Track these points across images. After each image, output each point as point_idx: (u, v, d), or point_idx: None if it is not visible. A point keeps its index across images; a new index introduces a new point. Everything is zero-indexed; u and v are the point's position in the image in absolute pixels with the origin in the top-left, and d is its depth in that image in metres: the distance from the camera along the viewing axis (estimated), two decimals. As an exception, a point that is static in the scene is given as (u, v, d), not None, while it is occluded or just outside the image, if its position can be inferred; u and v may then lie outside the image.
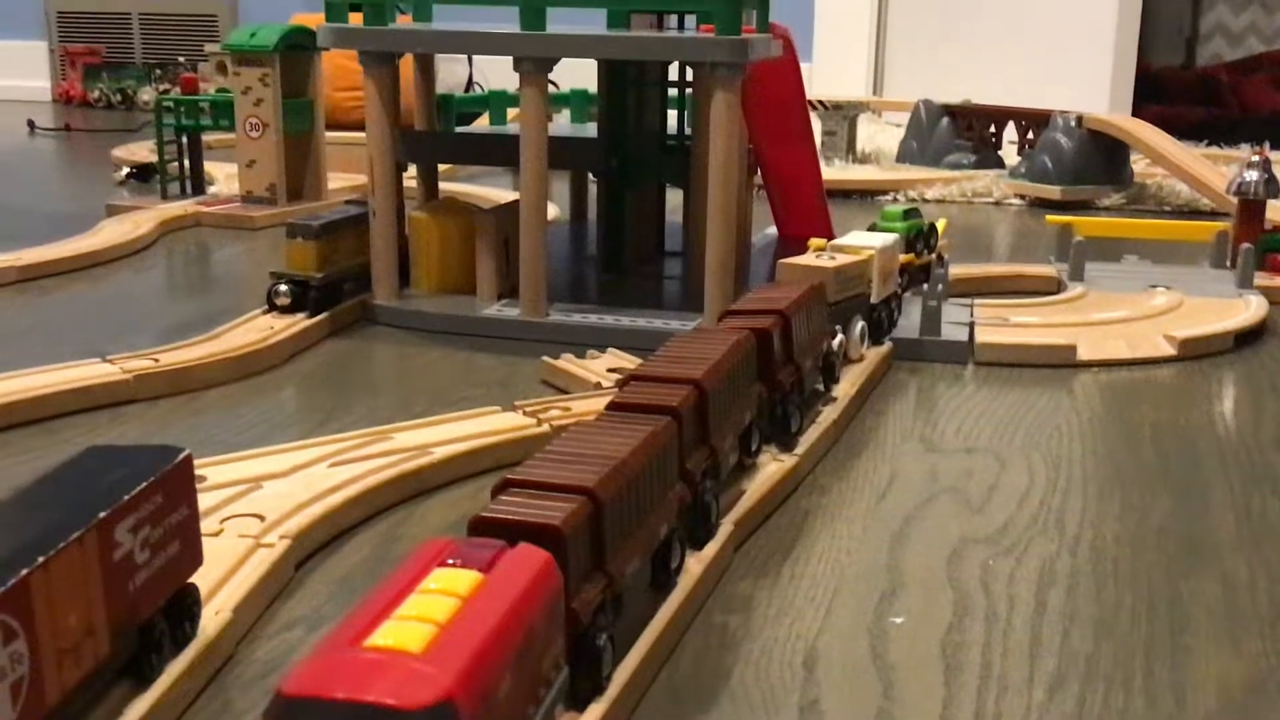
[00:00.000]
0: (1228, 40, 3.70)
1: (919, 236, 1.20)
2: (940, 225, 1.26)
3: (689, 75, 1.34)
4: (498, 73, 2.94)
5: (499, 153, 1.31)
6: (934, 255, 1.24)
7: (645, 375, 0.68)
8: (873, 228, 1.17)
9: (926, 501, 0.79)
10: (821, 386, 0.92)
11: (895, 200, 2.07)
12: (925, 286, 1.15)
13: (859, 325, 1.00)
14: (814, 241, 1.08)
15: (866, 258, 1.02)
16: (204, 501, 0.67)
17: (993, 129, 2.32)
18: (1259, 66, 3.36)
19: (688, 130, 1.34)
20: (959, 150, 2.29)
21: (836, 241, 1.05)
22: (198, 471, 0.60)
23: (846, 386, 0.96)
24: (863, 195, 2.09)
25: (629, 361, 1.03)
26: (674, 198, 1.43)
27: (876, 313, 1.06)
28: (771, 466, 0.79)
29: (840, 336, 0.95)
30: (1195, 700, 0.57)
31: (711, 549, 0.67)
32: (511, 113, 1.69)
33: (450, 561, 0.44)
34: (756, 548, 0.72)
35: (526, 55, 1.09)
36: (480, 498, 0.76)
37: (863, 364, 1.01)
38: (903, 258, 1.14)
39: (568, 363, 1.02)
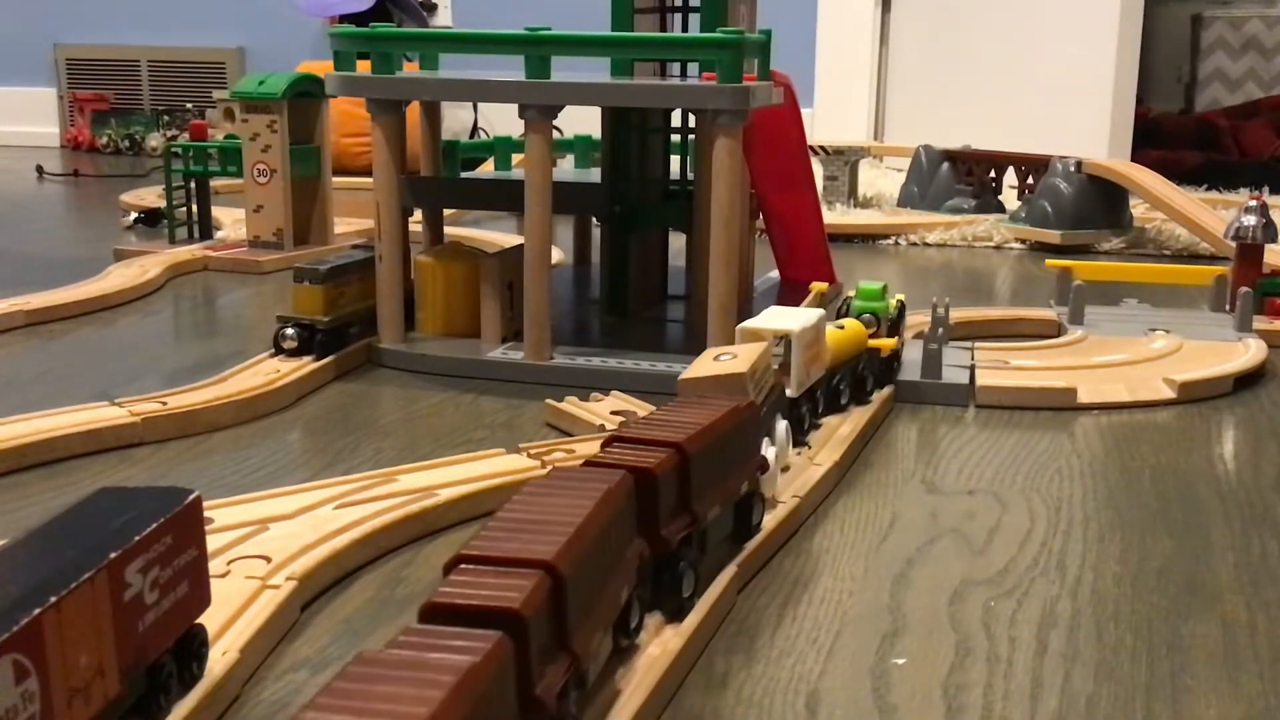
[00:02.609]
0: (1226, 86, 3.73)
1: (901, 316, 1.12)
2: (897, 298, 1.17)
3: (692, 121, 1.36)
4: (502, 119, 2.98)
5: (503, 198, 1.33)
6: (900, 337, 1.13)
7: (477, 556, 0.50)
8: (845, 308, 1.09)
9: (928, 543, 0.80)
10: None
11: (897, 244, 2.08)
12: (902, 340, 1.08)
13: (781, 429, 0.85)
14: (816, 286, 1.09)
15: (777, 346, 0.89)
16: (212, 543, 0.67)
17: (992, 174, 2.34)
18: (1257, 112, 3.38)
19: (690, 175, 1.35)
20: (959, 195, 2.31)
21: (748, 324, 0.91)
22: (205, 513, 0.61)
23: (848, 429, 0.96)
24: (864, 239, 2.11)
25: (633, 404, 1.04)
26: (677, 241, 1.45)
27: (801, 407, 0.92)
28: (776, 509, 0.80)
29: (771, 465, 0.79)
30: (1195, 741, 0.58)
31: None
32: (516, 158, 1.71)
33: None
34: (758, 589, 0.73)
35: (531, 103, 1.11)
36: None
37: (863, 408, 1.02)
38: (888, 342, 1.07)
39: (571, 405, 1.03)
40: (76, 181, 2.80)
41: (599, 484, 0.57)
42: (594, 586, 0.53)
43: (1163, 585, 0.74)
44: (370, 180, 1.22)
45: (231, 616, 0.63)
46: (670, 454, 0.63)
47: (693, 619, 0.64)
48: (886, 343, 1.08)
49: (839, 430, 0.96)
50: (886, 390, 1.08)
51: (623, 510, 0.58)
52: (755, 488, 0.75)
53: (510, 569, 0.49)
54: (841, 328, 1.02)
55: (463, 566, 0.49)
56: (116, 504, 0.53)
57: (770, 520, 0.78)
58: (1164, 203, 1.94)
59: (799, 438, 0.92)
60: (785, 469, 0.86)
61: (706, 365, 0.81)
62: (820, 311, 0.95)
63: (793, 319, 0.91)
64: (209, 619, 0.58)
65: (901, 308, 1.14)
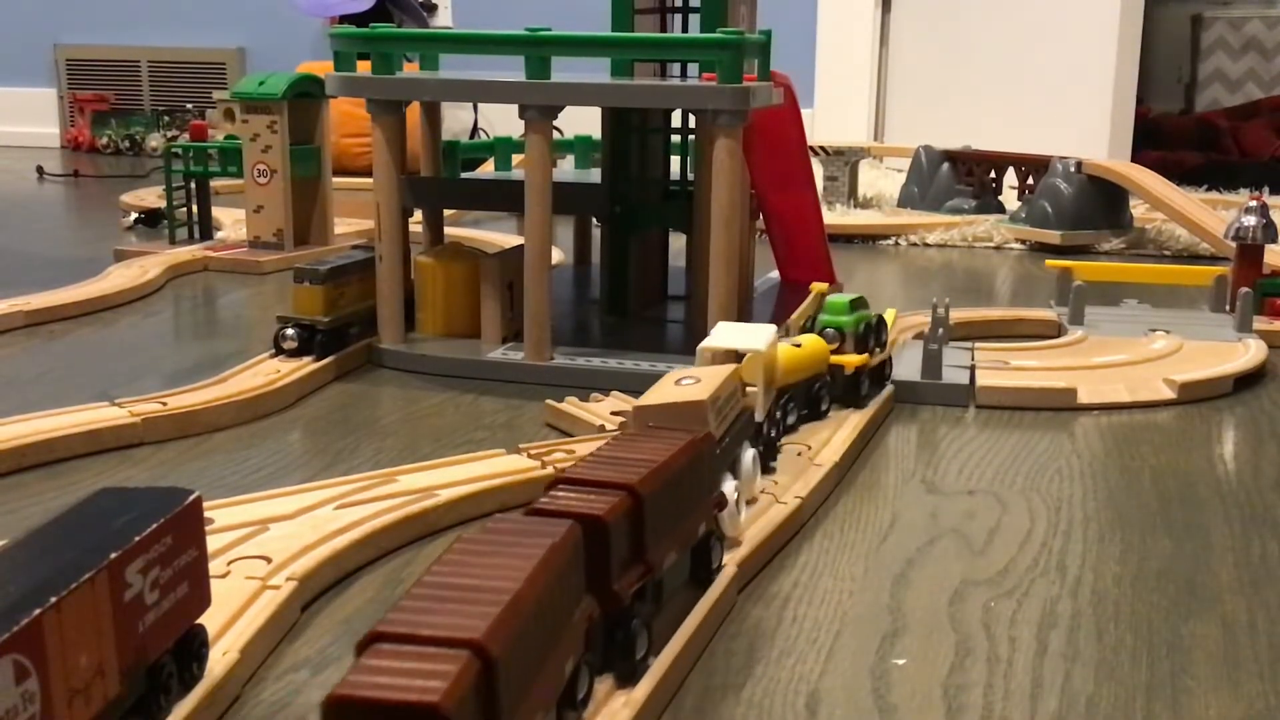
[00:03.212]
0: (1226, 86, 3.73)
1: (869, 331, 1.04)
2: (890, 316, 1.10)
3: (692, 122, 1.36)
4: (503, 119, 2.98)
5: (504, 198, 1.33)
6: (886, 354, 1.08)
7: (394, 634, 0.43)
8: (810, 324, 1.03)
9: (928, 543, 0.80)
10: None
11: (897, 244, 2.08)
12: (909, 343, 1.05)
13: (749, 457, 0.78)
14: (816, 286, 1.09)
15: (743, 367, 0.83)
16: (212, 543, 0.67)
17: (993, 174, 2.34)
18: (1257, 112, 3.39)
19: (690, 176, 1.35)
20: (959, 195, 2.31)
21: (707, 343, 0.87)
22: (206, 514, 0.61)
23: (848, 430, 0.96)
24: (864, 240, 2.11)
25: (633, 404, 1.04)
26: (677, 242, 1.45)
27: (769, 431, 0.87)
28: (774, 509, 0.80)
29: (729, 504, 0.72)
30: (1196, 742, 0.58)
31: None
32: (516, 159, 1.71)
33: None
34: (758, 590, 0.73)
35: (531, 103, 1.11)
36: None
37: (863, 410, 1.02)
38: (853, 359, 1.01)
39: (572, 405, 1.03)
40: (77, 182, 2.80)
41: (542, 539, 0.50)
42: (534, 663, 0.47)
43: (1163, 585, 0.74)
44: (370, 181, 1.22)
45: (232, 617, 0.63)
46: (622, 498, 0.57)
47: (693, 620, 0.64)
48: (851, 359, 1.01)
49: (840, 431, 0.96)
50: (886, 391, 1.08)
51: (569, 567, 0.51)
52: (714, 528, 0.68)
53: (433, 649, 0.42)
54: (799, 345, 0.95)
55: (377, 647, 0.42)
56: (117, 504, 0.53)
57: (771, 521, 0.78)
58: (1164, 203, 1.94)
59: (767, 464, 0.86)
60: (751, 501, 0.79)
61: (666, 391, 0.74)
62: (772, 328, 0.88)
63: (753, 336, 0.85)
64: (209, 619, 0.58)
65: (878, 323, 1.05)
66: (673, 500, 0.54)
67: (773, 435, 0.88)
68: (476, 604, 0.44)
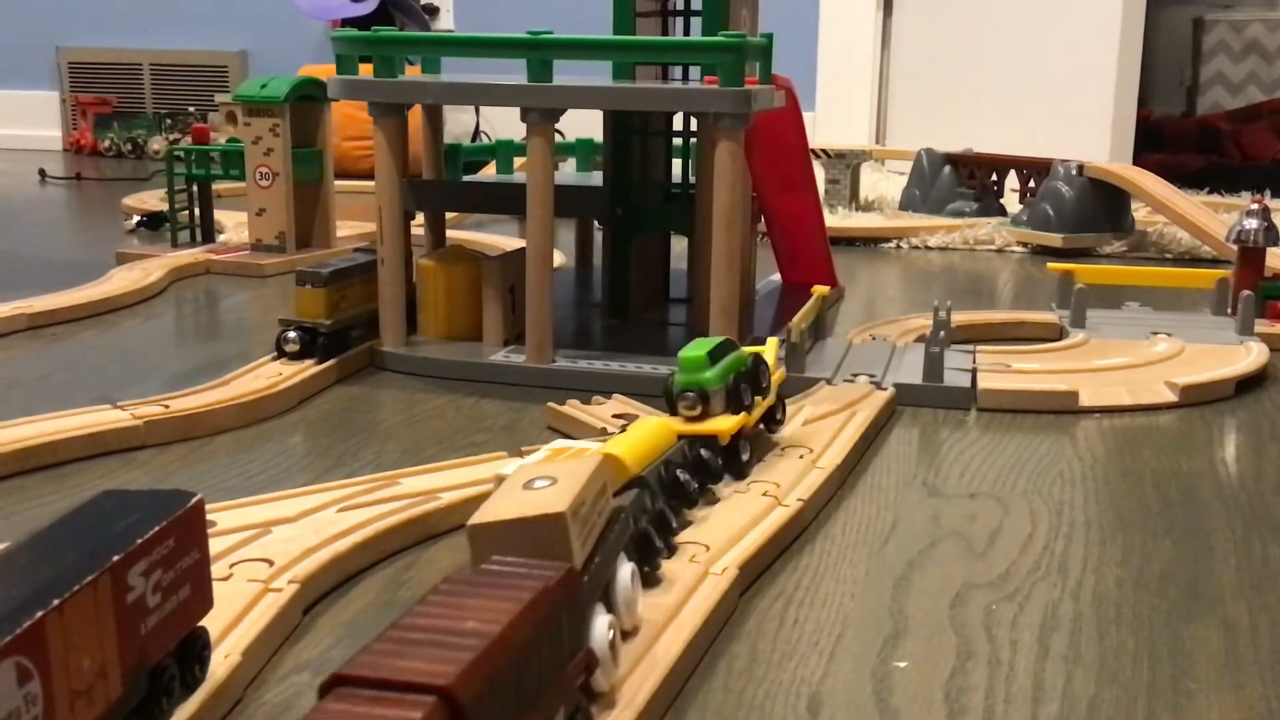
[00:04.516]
0: (1228, 89, 3.73)
1: (744, 378, 0.85)
2: (770, 347, 0.91)
3: (693, 125, 1.36)
4: (504, 122, 2.98)
5: (505, 201, 1.33)
6: (771, 399, 0.90)
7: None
8: (667, 387, 0.84)
9: (929, 546, 0.80)
10: None
11: (898, 247, 2.08)
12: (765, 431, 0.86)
13: (626, 575, 0.61)
14: (818, 289, 1.09)
15: (609, 462, 0.66)
16: (214, 546, 0.67)
17: (994, 177, 2.34)
18: (1259, 115, 3.39)
19: (692, 179, 1.35)
20: (961, 198, 2.31)
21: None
22: (208, 516, 0.61)
23: (850, 433, 0.96)
24: (866, 242, 2.11)
25: (634, 407, 1.04)
26: (678, 245, 1.45)
27: (659, 503, 0.72)
28: (776, 511, 0.80)
29: (607, 647, 0.55)
30: (1197, 744, 0.58)
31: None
32: (518, 161, 1.71)
33: None
34: (760, 592, 0.73)
35: (533, 106, 1.11)
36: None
37: (864, 413, 1.02)
38: (726, 423, 0.82)
39: (573, 408, 1.03)
40: (79, 185, 2.80)
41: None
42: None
43: (1164, 588, 0.74)
44: (372, 184, 1.22)
45: (234, 619, 0.63)
46: (432, 709, 0.38)
47: (694, 622, 0.64)
48: (724, 424, 0.81)
49: (841, 434, 0.96)
50: (886, 394, 1.08)
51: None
52: (580, 701, 0.51)
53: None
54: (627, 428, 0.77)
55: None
56: (119, 507, 0.53)
57: (773, 523, 0.78)
58: (1166, 206, 1.94)
59: (667, 540, 0.71)
60: (634, 631, 0.61)
61: (512, 499, 0.56)
62: (595, 463, 0.60)
63: (561, 485, 0.57)
64: (211, 622, 0.58)
65: (754, 365, 0.86)
66: (513, 693, 0.41)
67: (658, 545, 0.69)
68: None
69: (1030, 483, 0.92)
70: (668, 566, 0.70)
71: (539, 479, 0.57)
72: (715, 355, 0.83)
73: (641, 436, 0.75)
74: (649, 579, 0.67)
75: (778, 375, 0.91)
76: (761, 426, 0.91)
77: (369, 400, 1.12)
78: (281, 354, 1.16)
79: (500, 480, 0.73)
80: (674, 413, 0.83)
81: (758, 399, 0.87)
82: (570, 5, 2.48)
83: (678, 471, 0.76)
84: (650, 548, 0.67)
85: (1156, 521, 0.85)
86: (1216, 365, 1.20)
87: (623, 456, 0.71)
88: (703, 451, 0.80)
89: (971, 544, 0.80)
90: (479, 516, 0.55)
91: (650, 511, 0.70)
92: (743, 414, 0.84)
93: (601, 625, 0.55)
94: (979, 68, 2.89)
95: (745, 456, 0.85)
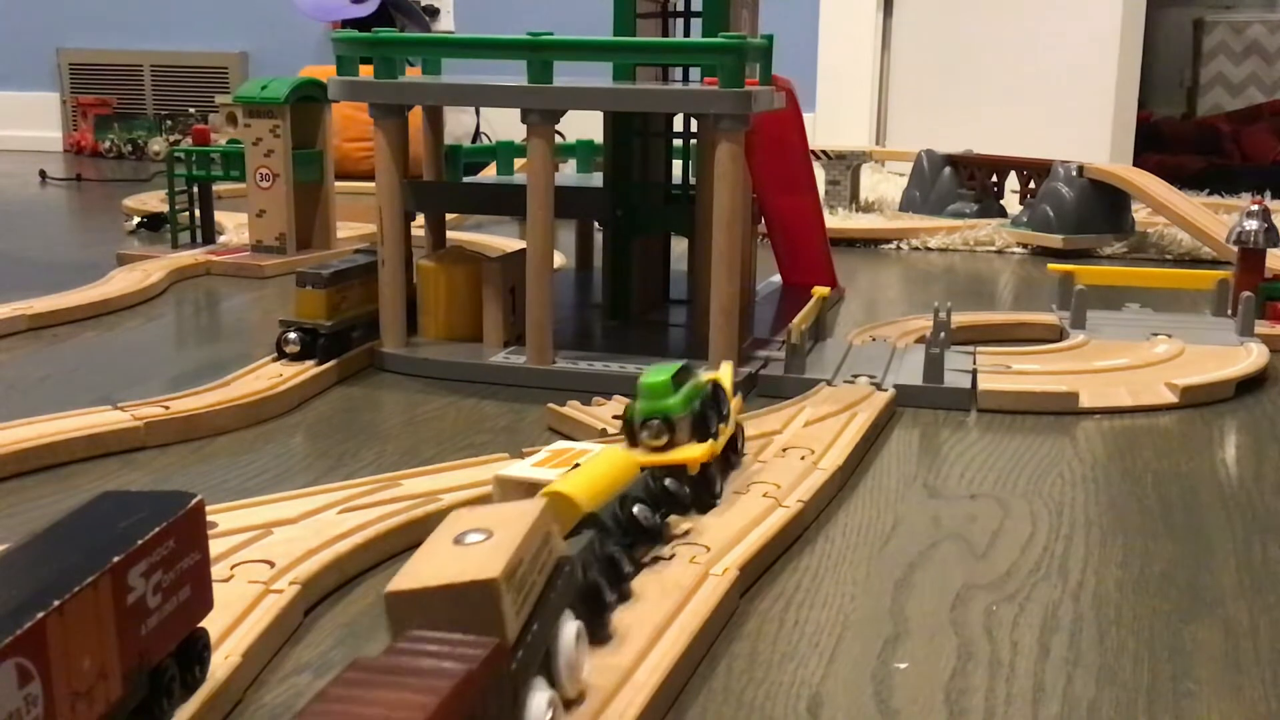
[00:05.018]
0: (1228, 90, 3.73)
1: (709, 404, 0.79)
2: (725, 371, 0.87)
3: (694, 126, 1.36)
4: (505, 123, 2.98)
5: (506, 202, 1.33)
6: (733, 427, 0.84)
7: None
8: (628, 416, 0.78)
9: (930, 547, 0.80)
10: None
11: (899, 248, 2.08)
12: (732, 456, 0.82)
13: (570, 637, 0.53)
14: (818, 290, 1.09)
15: (559, 503, 0.64)
16: (215, 547, 0.67)
17: (994, 178, 2.34)
18: (1259, 116, 3.39)
19: (692, 180, 1.35)
20: (961, 199, 2.31)
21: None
22: (208, 518, 0.61)
23: (851, 434, 0.96)
24: (866, 244, 2.11)
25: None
26: (679, 246, 1.45)
27: (611, 549, 0.65)
28: (777, 512, 0.80)
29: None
30: (1198, 746, 0.58)
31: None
32: (518, 163, 1.71)
33: None
34: (761, 593, 0.73)
35: (533, 107, 1.11)
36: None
37: (865, 414, 1.02)
38: (695, 452, 0.76)
39: (574, 409, 1.03)
40: (79, 186, 2.80)
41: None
42: None
43: (1165, 589, 0.74)
44: (373, 185, 1.22)
45: (234, 621, 0.63)
46: None
47: (695, 623, 0.64)
48: (692, 453, 0.76)
49: (842, 435, 0.96)
50: (887, 395, 1.08)
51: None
52: None
53: None
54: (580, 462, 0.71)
55: None
56: (119, 508, 0.53)
57: (773, 524, 0.78)
58: (1166, 207, 1.94)
59: (622, 588, 0.65)
60: (579, 699, 0.55)
61: (438, 556, 0.49)
62: (540, 507, 0.54)
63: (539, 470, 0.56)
64: (212, 623, 0.58)
65: (714, 391, 0.81)
66: None
67: (607, 598, 0.61)
68: None
69: (1030, 484, 0.92)
70: (668, 567, 0.70)
71: (472, 532, 0.51)
72: (677, 381, 0.78)
73: (597, 470, 0.69)
74: (599, 636, 0.60)
75: (735, 402, 0.86)
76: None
77: (370, 401, 1.12)
78: (282, 355, 1.16)
79: (497, 483, 0.74)
80: (634, 444, 0.77)
81: (722, 426, 0.81)
82: (570, 6, 2.48)
83: (635, 509, 0.69)
84: (599, 602, 0.60)
85: (1157, 522, 0.85)
86: (1217, 366, 1.20)
87: (574, 494, 0.65)
88: (668, 482, 0.73)
89: (972, 545, 0.80)
90: (399, 581, 0.48)
91: (602, 557, 0.63)
92: (710, 442, 0.78)
93: (539, 706, 0.48)
94: (979, 68, 2.89)
95: (718, 488, 0.79)
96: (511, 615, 0.47)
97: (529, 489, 0.70)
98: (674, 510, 0.74)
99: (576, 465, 0.70)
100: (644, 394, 0.77)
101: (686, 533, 0.75)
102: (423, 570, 0.48)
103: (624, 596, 0.65)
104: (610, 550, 0.64)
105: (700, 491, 0.77)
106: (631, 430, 0.77)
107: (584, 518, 0.65)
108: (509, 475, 0.73)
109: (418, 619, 0.46)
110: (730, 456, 0.85)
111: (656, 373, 0.77)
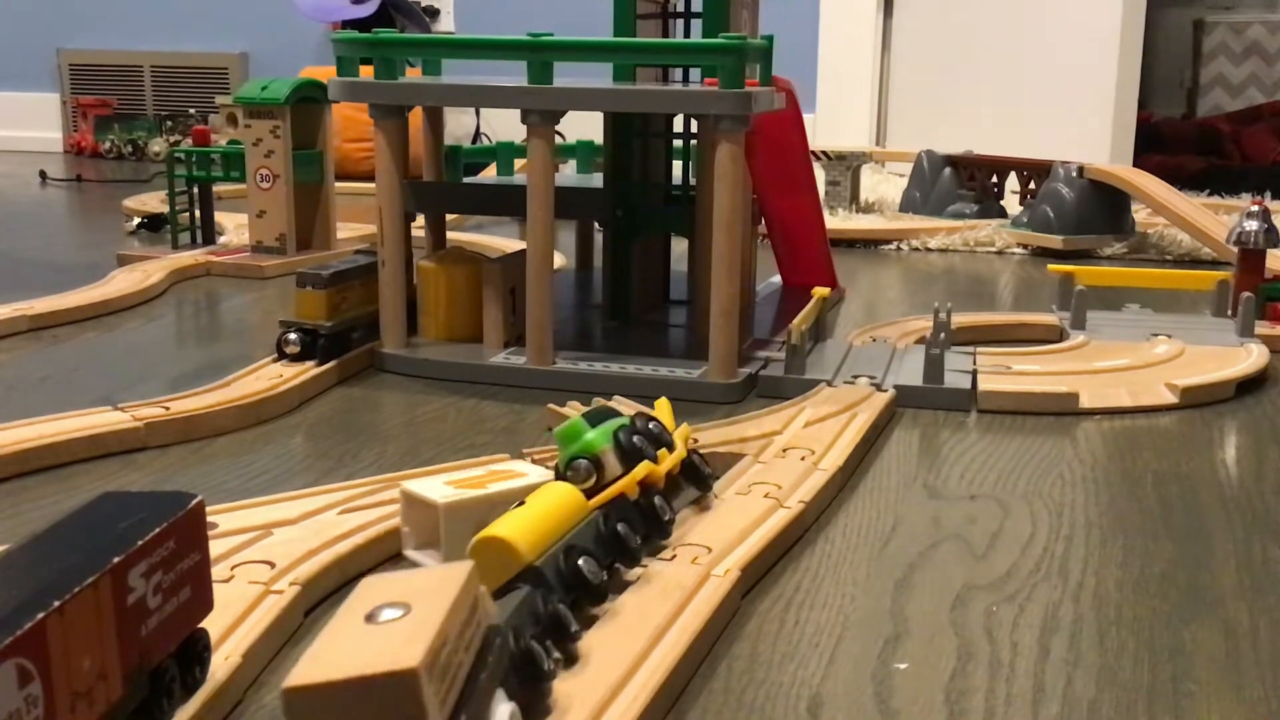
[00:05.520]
0: (1228, 91, 3.73)
1: (636, 435, 0.74)
2: (661, 407, 0.83)
3: (694, 127, 1.36)
4: (505, 124, 2.98)
5: (506, 203, 1.33)
6: (682, 452, 0.78)
7: None
8: (556, 468, 0.74)
9: (930, 548, 0.80)
10: None
11: (899, 249, 2.08)
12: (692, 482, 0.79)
13: (505, 716, 0.48)
14: (818, 291, 1.09)
15: (495, 550, 0.59)
16: (215, 548, 0.67)
17: (995, 179, 2.34)
18: (1259, 117, 3.39)
19: (692, 180, 1.35)
20: (961, 200, 2.31)
21: (413, 486, 0.69)
22: (209, 518, 0.61)
23: (851, 435, 0.96)
24: (866, 244, 2.11)
25: (634, 409, 1.04)
26: (679, 246, 1.45)
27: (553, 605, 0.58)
28: (777, 513, 0.80)
29: None
30: (1198, 746, 0.58)
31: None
32: (518, 163, 1.71)
33: None
34: (761, 593, 0.73)
35: (534, 108, 1.11)
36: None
37: (865, 415, 1.02)
38: (627, 481, 0.71)
39: (574, 410, 1.03)
40: (79, 187, 2.80)
41: None
42: None
43: (1165, 590, 0.74)
44: (373, 185, 1.22)
45: (235, 621, 0.63)
46: None
47: (696, 623, 0.64)
48: (629, 479, 0.72)
49: (843, 436, 0.96)
50: (887, 395, 1.08)
51: None
52: None
53: None
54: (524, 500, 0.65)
55: None
56: (119, 508, 0.53)
57: (774, 525, 0.78)
58: (1166, 208, 1.94)
59: (567, 648, 0.59)
60: None
61: (348, 640, 0.42)
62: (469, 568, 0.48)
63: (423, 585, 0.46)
64: (212, 624, 0.58)
65: (644, 421, 0.76)
66: None
67: (545, 667, 0.54)
68: None
69: (1031, 484, 0.92)
70: (669, 568, 0.70)
71: (386, 607, 0.43)
72: (593, 421, 0.74)
73: (541, 511, 0.62)
74: (538, 710, 0.54)
75: (681, 430, 0.81)
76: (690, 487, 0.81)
77: (369, 402, 1.12)
78: (282, 356, 1.16)
79: (403, 495, 0.69)
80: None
81: (662, 452, 0.75)
82: (570, 7, 2.48)
83: (580, 561, 0.62)
84: (536, 672, 0.53)
85: (1157, 523, 0.85)
86: (1217, 367, 1.20)
87: (514, 541, 0.59)
88: (619, 528, 0.68)
89: (972, 546, 0.80)
90: (301, 672, 0.41)
91: (542, 617, 0.57)
92: (647, 462, 0.73)
93: None
94: (979, 69, 2.89)
95: (666, 516, 0.73)
96: (435, 709, 0.40)
97: (427, 510, 0.68)
98: (622, 561, 0.69)
99: (486, 489, 0.67)
100: (561, 443, 0.73)
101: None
102: (329, 657, 0.41)
103: (569, 659, 0.58)
104: (555, 607, 0.58)
105: (652, 523, 0.73)
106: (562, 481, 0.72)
107: (523, 570, 0.59)
108: (414, 491, 0.69)
109: (324, 718, 0.40)
110: (699, 483, 0.81)
111: (567, 424, 0.74)
